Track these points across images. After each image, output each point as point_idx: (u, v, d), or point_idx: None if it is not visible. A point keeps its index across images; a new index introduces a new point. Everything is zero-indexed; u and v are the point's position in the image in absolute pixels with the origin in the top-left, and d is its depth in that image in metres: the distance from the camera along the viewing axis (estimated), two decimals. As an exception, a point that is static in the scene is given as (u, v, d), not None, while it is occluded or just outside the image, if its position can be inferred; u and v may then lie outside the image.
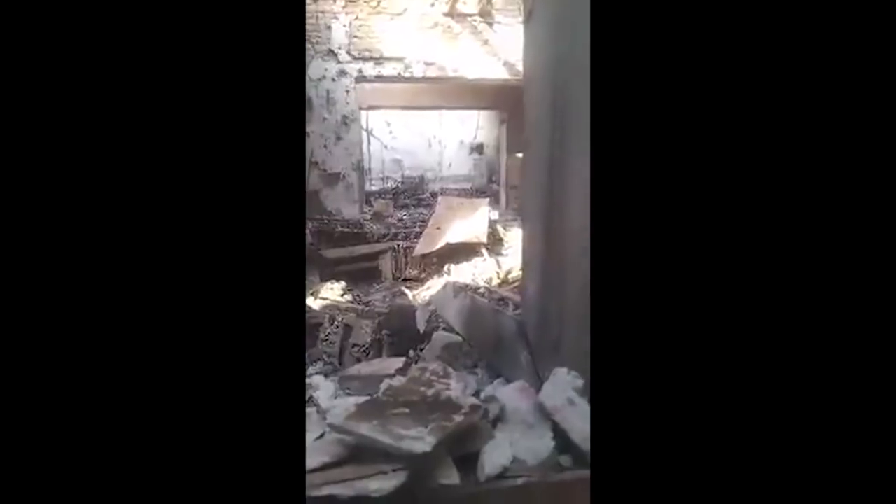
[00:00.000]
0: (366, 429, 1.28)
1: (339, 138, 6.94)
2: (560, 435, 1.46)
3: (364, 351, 3.95)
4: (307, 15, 6.52)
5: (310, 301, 4.96)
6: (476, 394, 1.96)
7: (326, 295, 5.40)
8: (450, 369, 1.66)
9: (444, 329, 3.59)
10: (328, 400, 1.90)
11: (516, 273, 5.15)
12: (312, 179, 6.87)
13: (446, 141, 12.66)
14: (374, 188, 10.81)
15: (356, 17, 6.68)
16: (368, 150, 10.92)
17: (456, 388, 1.53)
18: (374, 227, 6.86)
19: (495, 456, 1.39)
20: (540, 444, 1.45)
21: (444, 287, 4.30)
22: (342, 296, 5.50)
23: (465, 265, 5.97)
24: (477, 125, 12.30)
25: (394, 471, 1.22)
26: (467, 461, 1.39)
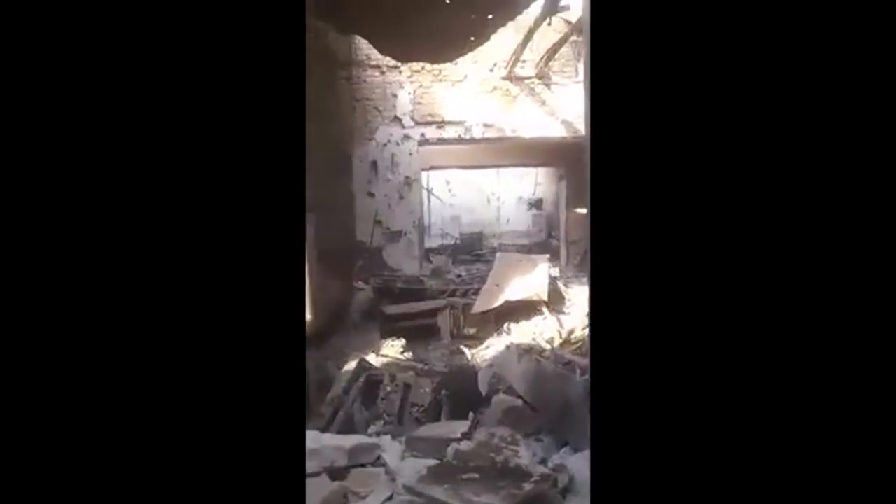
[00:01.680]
0: (439, 492, 1.29)
1: (401, 198, 7.22)
2: (635, 509, 1.41)
3: (423, 411, 3.94)
4: (375, 86, 6.98)
5: (371, 358, 5.04)
6: (542, 462, 1.91)
7: (387, 352, 5.46)
8: (518, 436, 1.65)
9: (504, 392, 3.53)
10: (396, 461, 1.92)
11: (579, 333, 5.03)
12: (376, 237, 7.14)
13: (504, 197, 12.82)
14: (432, 245, 11.02)
15: (420, 86, 7.08)
16: (428, 207, 11.23)
17: (525, 454, 1.52)
18: (433, 283, 6.95)
19: (567, 529, 1.35)
20: (614, 519, 1.40)
21: (508, 349, 4.26)
22: (402, 353, 5.54)
23: (524, 323, 5.88)
24: (535, 181, 12.42)
25: (466, 539, 1.21)
26: (537, 533, 1.36)
